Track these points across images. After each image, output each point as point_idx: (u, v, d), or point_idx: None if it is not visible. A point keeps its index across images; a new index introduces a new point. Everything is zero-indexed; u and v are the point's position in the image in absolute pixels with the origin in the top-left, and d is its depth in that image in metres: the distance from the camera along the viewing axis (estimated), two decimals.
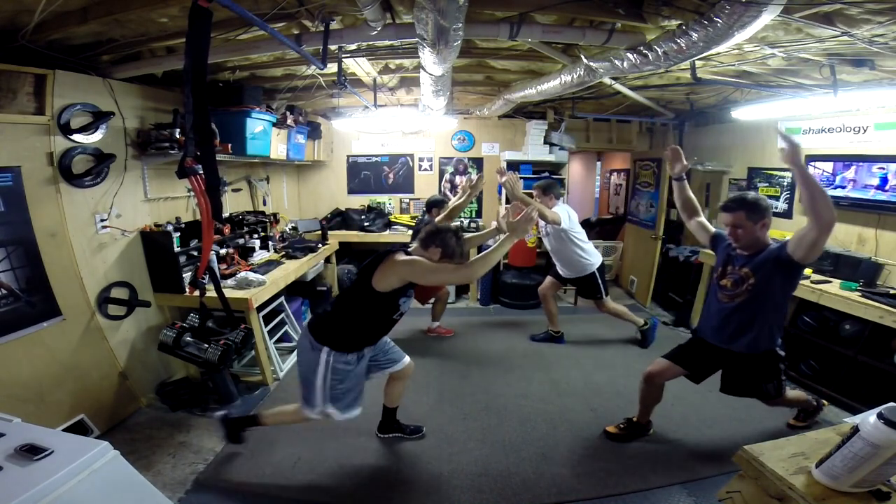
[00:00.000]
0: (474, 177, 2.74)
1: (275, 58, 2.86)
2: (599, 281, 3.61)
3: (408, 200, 5.38)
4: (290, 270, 3.51)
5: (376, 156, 5.33)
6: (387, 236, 4.84)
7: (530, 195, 5.09)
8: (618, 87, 3.36)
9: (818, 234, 1.73)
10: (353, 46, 2.57)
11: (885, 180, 2.90)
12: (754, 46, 2.24)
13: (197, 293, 2.61)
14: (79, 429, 2.37)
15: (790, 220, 3.71)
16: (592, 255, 3.58)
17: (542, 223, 3.67)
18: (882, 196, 2.89)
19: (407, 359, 2.38)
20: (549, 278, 3.87)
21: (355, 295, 2.04)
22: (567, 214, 3.46)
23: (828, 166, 3.26)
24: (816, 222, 1.72)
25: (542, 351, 3.74)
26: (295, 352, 3.55)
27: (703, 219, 2.35)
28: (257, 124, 3.33)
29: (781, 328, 2.12)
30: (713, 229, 2.30)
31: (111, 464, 1.28)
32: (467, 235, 2.46)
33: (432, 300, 3.92)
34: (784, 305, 2.08)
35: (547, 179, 3.90)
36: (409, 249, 2.04)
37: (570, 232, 3.47)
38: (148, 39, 2.28)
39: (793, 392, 2.44)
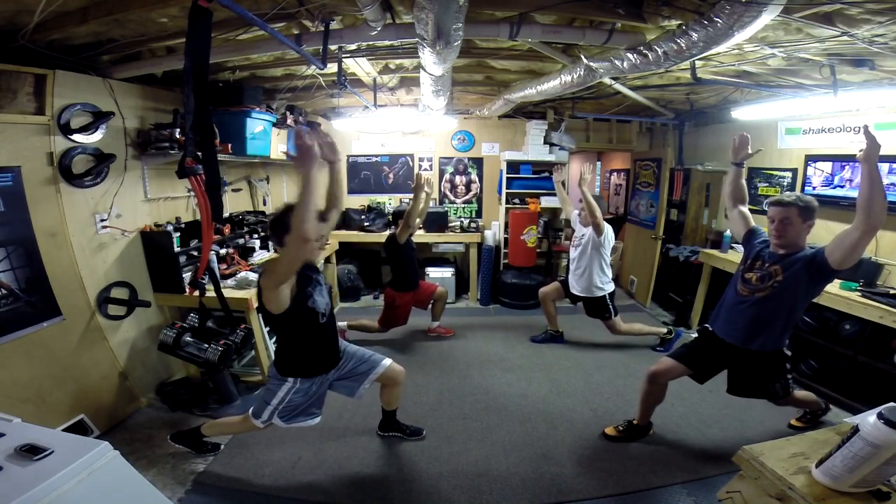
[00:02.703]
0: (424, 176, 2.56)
1: (275, 58, 2.86)
2: (609, 303, 3.55)
3: (408, 200, 5.37)
4: None
5: (376, 156, 5.33)
6: (386, 236, 4.83)
7: (535, 197, 5.04)
8: (618, 87, 3.36)
9: (862, 234, 1.73)
10: (353, 46, 2.57)
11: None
12: (754, 46, 2.25)
13: (197, 293, 2.62)
14: (79, 429, 2.37)
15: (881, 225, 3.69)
16: (608, 282, 3.53)
17: (578, 232, 3.62)
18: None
19: (387, 361, 2.30)
20: (555, 283, 3.83)
21: (275, 328, 2.00)
22: (609, 232, 3.42)
23: (827, 166, 3.26)
24: (865, 221, 1.72)
25: (542, 351, 3.74)
26: None
27: (746, 209, 2.34)
28: (257, 124, 3.33)
29: (791, 330, 2.13)
30: (753, 223, 2.29)
31: (111, 464, 1.28)
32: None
33: (431, 301, 3.92)
34: (801, 310, 2.08)
35: (595, 195, 3.82)
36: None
37: (603, 249, 3.43)
38: (148, 39, 2.28)
39: (801, 392, 2.43)
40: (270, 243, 3.94)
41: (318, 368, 2.09)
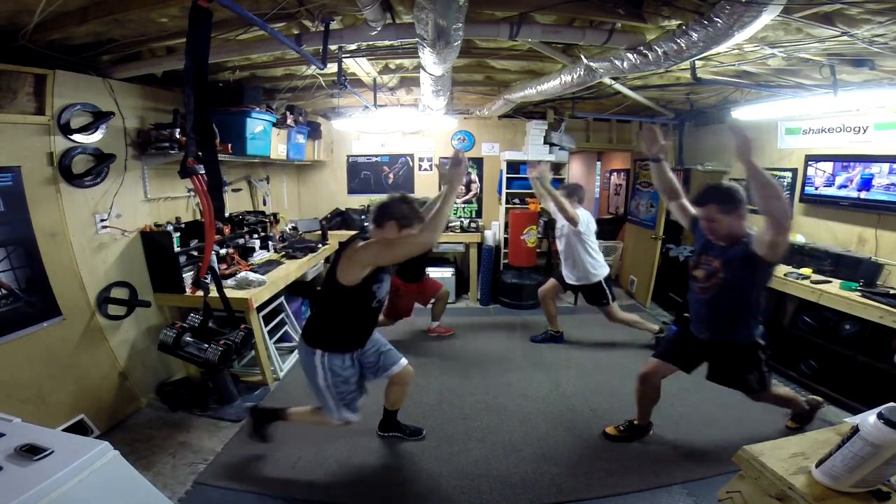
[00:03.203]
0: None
1: (275, 58, 2.86)
2: (606, 288, 3.58)
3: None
4: (290, 270, 3.51)
5: (376, 156, 5.34)
6: None
7: (535, 197, 5.03)
8: (618, 87, 3.36)
9: (773, 235, 1.70)
10: (353, 46, 2.57)
11: (868, 182, 2.95)
12: (754, 46, 2.24)
13: (199, 293, 2.62)
14: (79, 429, 2.37)
15: (790, 220, 3.71)
16: (601, 265, 3.56)
17: (559, 223, 3.65)
18: (882, 196, 2.89)
19: (404, 361, 2.34)
20: (551, 280, 3.84)
21: (328, 293, 2.03)
22: (586, 219, 3.46)
23: (828, 166, 3.26)
24: (770, 224, 1.68)
25: (542, 351, 3.74)
26: (295, 352, 3.56)
27: (684, 201, 2.30)
28: (257, 124, 3.33)
29: (757, 318, 2.07)
30: (693, 212, 2.23)
31: (111, 464, 1.28)
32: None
33: (433, 300, 3.92)
34: (757, 297, 2.03)
35: (572, 183, 3.83)
36: (367, 234, 2.01)
37: (584, 236, 3.46)
38: (148, 39, 2.28)
39: (781, 388, 2.39)
40: (267, 243, 3.94)
41: (344, 345, 2.09)
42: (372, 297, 2.01)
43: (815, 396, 2.60)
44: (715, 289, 2.03)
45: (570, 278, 3.64)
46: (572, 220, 3.36)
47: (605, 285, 3.57)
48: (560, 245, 3.68)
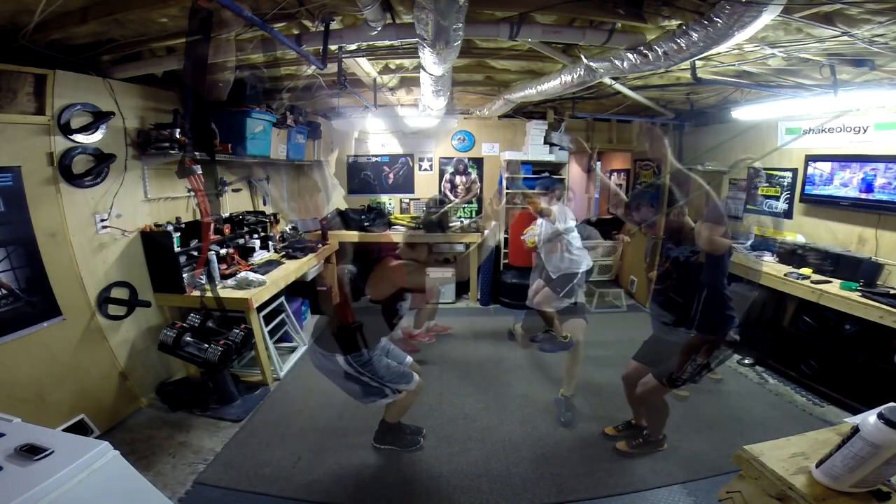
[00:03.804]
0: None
1: (275, 58, 2.86)
2: (573, 283, 3.49)
3: (408, 200, 5.38)
4: (290, 270, 3.51)
5: (376, 156, 5.33)
6: (387, 236, 4.83)
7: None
8: (618, 87, 3.36)
9: (707, 229, 1.70)
10: (353, 46, 2.57)
11: (870, 183, 2.95)
12: (754, 46, 2.24)
13: (195, 293, 2.62)
14: (79, 429, 2.37)
15: (790, 220, 3.71)
16: (583, 259, 3.49)
17: (537, 221, 3.65)
18: (882, 196, 2.89)
19: (409, 359, 2.39)
20: (538, 282, 3.82)
21: (353, 303, 2.06)
22: (564, 215, 3.46)
23: (827, 166, 3.26)
24: (702, 218, 1.68)
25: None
26: (293, 353, 3.55)
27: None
28: (257, 124, 3.33)
29: (725, 312, 1.98)
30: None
31: (111, 464, 1.28)
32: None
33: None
34: (717, 289, 1.97)
35: (549, 179, 3.82)
36: (398, 251, 2.08)
37: (563, 232, 3.45)
38: (148, 39, 2.28)
39: (665, 403, 2.21)
40: (267, 243, 3.94)
41: (358, 347, 2.09)
42: (395, 313, 2.08)
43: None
44: (672, 288, 2.04)
45: (554, 272, 3.60)
46: (549, 217, 3.34)
47: (577, 279, 3.48)
48: (539, 240, 3.66)
